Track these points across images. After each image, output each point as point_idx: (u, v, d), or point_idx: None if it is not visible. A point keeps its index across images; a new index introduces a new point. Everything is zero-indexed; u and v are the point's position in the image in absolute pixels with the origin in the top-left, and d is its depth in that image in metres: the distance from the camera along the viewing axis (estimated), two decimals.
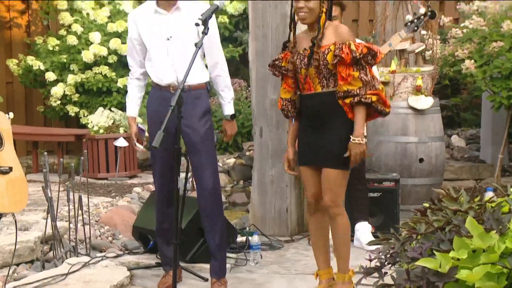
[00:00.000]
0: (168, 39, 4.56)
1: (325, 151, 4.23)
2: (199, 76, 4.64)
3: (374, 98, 4.13)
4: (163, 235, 4.79)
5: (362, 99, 4.11)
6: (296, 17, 4.28)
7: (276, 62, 4.37)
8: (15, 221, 4.78)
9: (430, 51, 6.82)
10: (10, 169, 4.66)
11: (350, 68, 4.12)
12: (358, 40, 4.46)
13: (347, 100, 4.14)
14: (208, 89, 4.75)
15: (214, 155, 4.74)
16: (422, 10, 6.46)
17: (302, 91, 4.31)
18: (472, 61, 6.74)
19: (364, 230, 5.58)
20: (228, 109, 4.79)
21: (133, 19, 4.73)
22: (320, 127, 4.25)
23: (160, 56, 4.61)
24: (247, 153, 8.41)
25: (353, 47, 4.10)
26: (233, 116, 4.79)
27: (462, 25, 7.20)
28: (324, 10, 4.21)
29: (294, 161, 4.45)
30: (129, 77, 4.87)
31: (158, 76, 4.65)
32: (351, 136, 4.14)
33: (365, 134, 5.43)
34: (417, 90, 6.44)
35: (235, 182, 8.31)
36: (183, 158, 4.41)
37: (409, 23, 6.41)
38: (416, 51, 6.70)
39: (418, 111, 6.45)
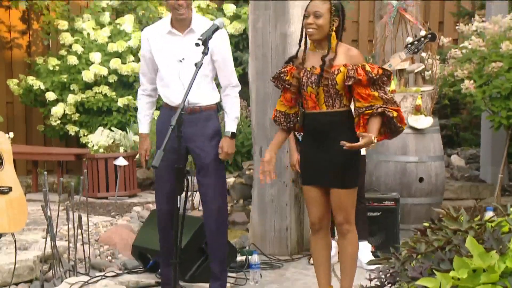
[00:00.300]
0: (181, 61, 4.56)
1: (331, 171, 4.22)
2: (209, 97, 4.66)
3: (395, 113, 4.14)
4: (168, 255, 4.78)
5: (386, 111, 4.10)
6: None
7: (281, 75, 4.35)
8: (15, 241, 4.78)
9: (430, 71, 6.84)
10: (10, 189, 4.67)
11: (367, 88, 4.11)
12: None
13: (368, 111, 4.12)
14: (218, 110, 4.76)
15: (223, 177, 4.75)
16: (423, 32, 6.47)
17: (306, 108, 4.30)
18: (472, 81, 6.75)
19: (364, 249, 5.56)
20: (230, 126, 4.75)
21: (146, 37, 4.74)
22: (324, 146, 4.24)
23: (172, 77, 4.61)
24: (247, 172, 8.40)
25: (368, 68, 4.10)
26: (233, 135, 4.79)
27: (461, 45, 7.23)
28: (334, 28, 4.21)
29: (270, 165, 4.36)
30: (140, 93, 4.87)
31: (169, 97, 4.66)
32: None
33: (365, 153, 5.45)
34: (417, 110, 6.45)
35: (235, 201, 8.29)
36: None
37: (409, 45, 6.42)
38: (416, 71, 6.71)
39: (417, 131, 6.45)
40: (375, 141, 4.07)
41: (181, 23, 4.61)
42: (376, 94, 4.11)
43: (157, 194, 4.82)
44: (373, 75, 4.09)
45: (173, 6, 4.54)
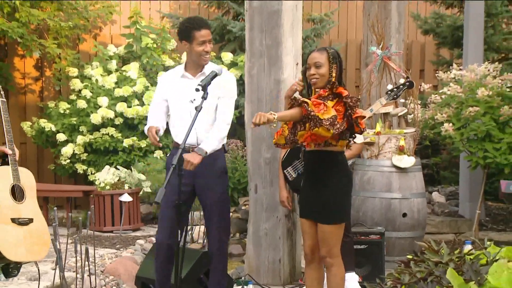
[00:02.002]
0: (192, 101, 4.58)
1: (319, 206, 4.23)
2: None
3: (309, 102, 4.02)
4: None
5: (305, 105, 4.01)
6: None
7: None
8: (38, 269, 4.75)
9: (412, 115, 6.87)
10: (30, 220, 4.66)
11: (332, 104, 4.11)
12: None
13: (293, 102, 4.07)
14: (226, 149, 4.74)
15: (227, 215, 4.74)
16: (402, 80, 6.52)
17: (305, 146, 4.34)
18: (451, 124, 6.80)
19: (351, 280, 5.53)
20: (205, 144, 4.53)
21: (162, 81, 4.81)
22: (315, 183, 4.26)
23: (183, 117, 4.63)
24: (243, 208, 8.38)
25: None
26: (204, 152, 4.49)
27: (440, 91, 7.28)
28: (334, 74, 4.25)
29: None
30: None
31: (179, 136, 4.66)
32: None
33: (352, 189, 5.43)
34: (400, 150, 6.46)
35: (232, 235, 8.25)
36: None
37: (389, 92, 6.46)
38: (399, 114, 6.73)
39: (401, 170, 6.45)
40: (275, 118, 4.00)
41: (195, 67, 4.67)
42: (331, 105, 4.08)
43: (158, 228, 4.80)
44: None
45: (200, 53, 4.62)
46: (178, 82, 4.70)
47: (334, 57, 4.27)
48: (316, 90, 4.32)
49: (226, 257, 4.81)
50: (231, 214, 8.36)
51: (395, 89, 6.43)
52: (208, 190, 4.61)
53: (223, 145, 4.71)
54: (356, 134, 4.30)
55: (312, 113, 3.97)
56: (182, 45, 4.74)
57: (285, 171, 5.42)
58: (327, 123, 3.98)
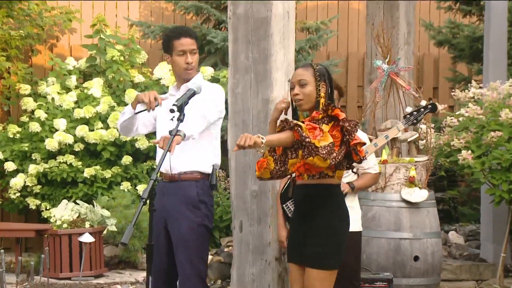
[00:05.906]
0: (172, 120, 4.59)
1: (308, 249, 4.22)
2: (192, 164, 4.68)
3: (302, 126, 4.03)
4: None
5: (296, 128, 4.02)
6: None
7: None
8: None
9: (424, 140, 6.91)
10: None
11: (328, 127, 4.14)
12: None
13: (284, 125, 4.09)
14: (212, 184, 4.69)
15: (202, 254, 4.73)
16: (423, 103, 6.51)
17: (295, 179, 4.35)
18: (469, 151, 6.82)
19: None
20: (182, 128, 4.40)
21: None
22: (306, 220, 4.26)
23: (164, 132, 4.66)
24: (226, 250, 8.37)
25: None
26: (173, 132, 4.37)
27: (457, 113, 7.32)
28: (323, 94, 4.26)
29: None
30: None
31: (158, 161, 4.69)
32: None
33: (361, 229, 5.45)
34: (411, 182, 6.48)
35: (212, 282, 8.24)
36: None
37: (408, 115, 6.45)
38: (409, 140, 6.76)
39: (412, 205, 6.47)
40: (263, 142, 4.00)
41: (180, 83, 4.77)
42: (327, 130, 4.11)
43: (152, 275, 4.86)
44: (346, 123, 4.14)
45: (181, 64, 4.72)
46: (166, 101, 4.62)
47: (321, 73, 4.28)
48: (303, 112, 4.32)
49: None
50: (211, 257, 8.39)
51: (414, 113, 6.41)
52: (174, 222, 4.63)
53: (201, 173, 4.70)
54: (356, 163, 4.33)
55: (306, 140, 3.98)
56: (166, 59, 4.87)
57: (284, 205, 5.42)
58: (324, 152, 3.99)
